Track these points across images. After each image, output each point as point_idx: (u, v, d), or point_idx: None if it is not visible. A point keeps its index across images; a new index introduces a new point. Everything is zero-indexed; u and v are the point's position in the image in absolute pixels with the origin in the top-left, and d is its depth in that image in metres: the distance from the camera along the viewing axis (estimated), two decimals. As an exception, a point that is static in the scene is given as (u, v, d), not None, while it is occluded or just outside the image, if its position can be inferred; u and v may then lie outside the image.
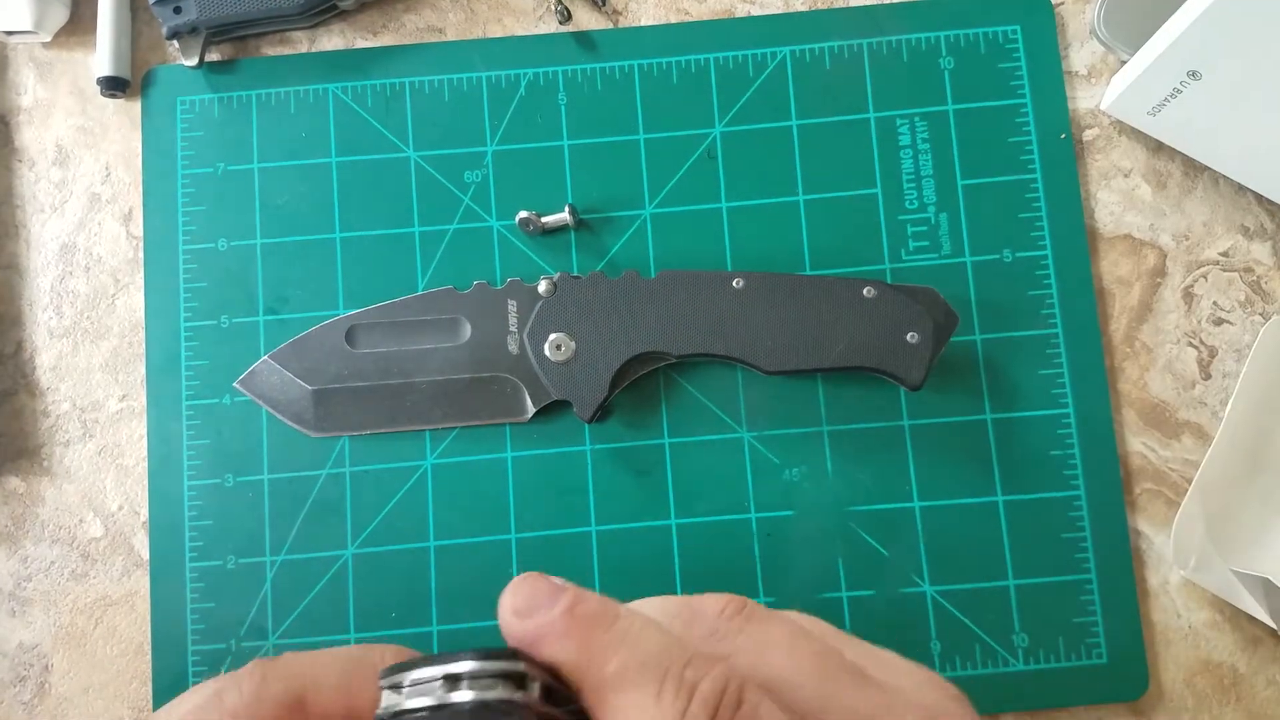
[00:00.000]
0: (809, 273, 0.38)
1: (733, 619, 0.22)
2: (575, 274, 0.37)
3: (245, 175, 0.39)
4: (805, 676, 0.21)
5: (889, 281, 0.37)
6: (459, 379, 0.37)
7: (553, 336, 0.36)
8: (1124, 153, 0.39)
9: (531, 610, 0.21)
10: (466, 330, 0.37)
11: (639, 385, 0.37)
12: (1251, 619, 0.36)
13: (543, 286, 0.36)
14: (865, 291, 0.35)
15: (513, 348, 0.37)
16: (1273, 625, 0.35)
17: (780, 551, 0.37)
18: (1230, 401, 0.36)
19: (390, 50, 0.40)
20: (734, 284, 0.35)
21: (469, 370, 0.37)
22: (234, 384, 0.38)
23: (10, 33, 0.39)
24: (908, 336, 0.35)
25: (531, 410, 0.37)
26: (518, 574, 0.37)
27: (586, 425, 0.37)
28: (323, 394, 0.37)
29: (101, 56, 0.39)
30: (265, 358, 0.38)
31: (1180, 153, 0.38)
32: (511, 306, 0.37)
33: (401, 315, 0.38)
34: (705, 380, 0.38)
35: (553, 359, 0.36)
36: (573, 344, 0.36)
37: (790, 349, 0.35)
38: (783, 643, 0.22)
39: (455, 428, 0.38)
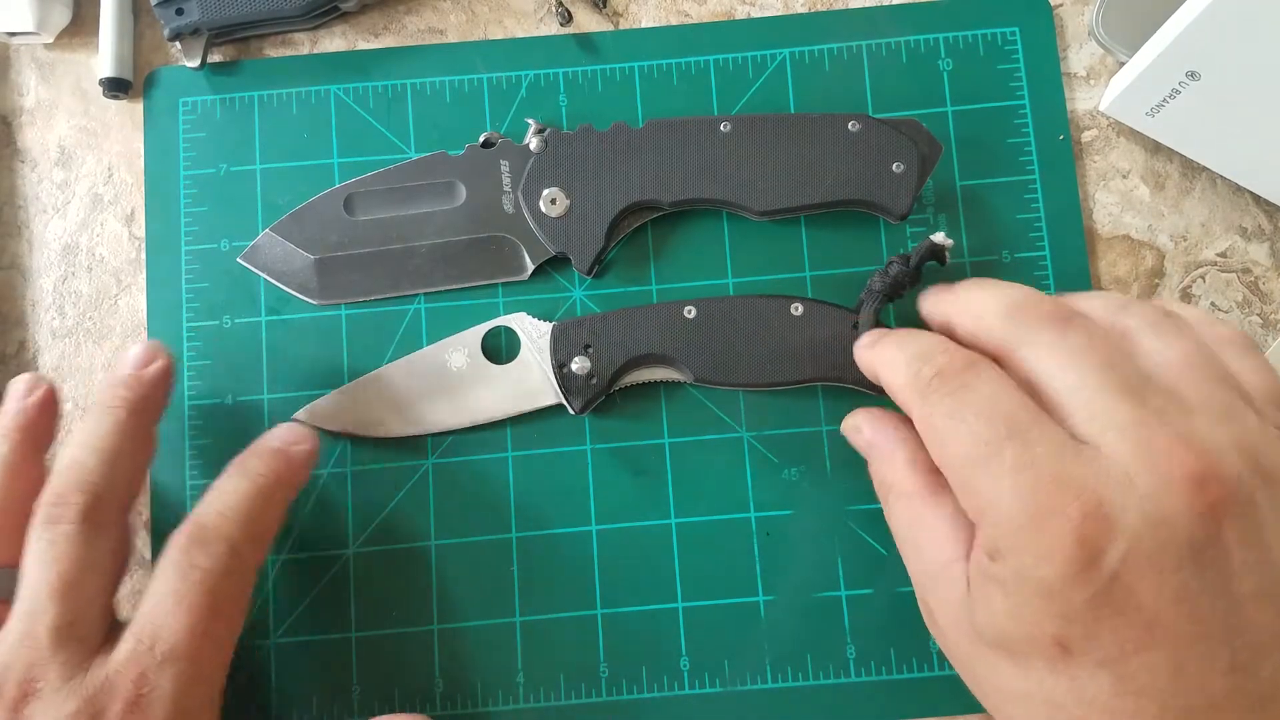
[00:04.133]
0: (809, 274, 0.38)
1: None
2: (564, 129, 0.38)
3: (247, 176, 0.39)
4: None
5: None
6: (457, 241, 0.38)
7: (546, 192, 0.36)
8: (1122, 154, 0.39)
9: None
10: (462, 193, 0.38)
11: (642, 389, 0.37)
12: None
13: (533, 143, 0.37)
14: (850, 126, 0.36)
15: (508, 207, 0.37)
16: None
17: (779, 551, 0.37)
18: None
19: (391, 52, 0.40)
20: (721, 128, 0.36)
21: (467, 232, 0.38)
22: (238, 258, 0.38)
23: (12, 34, 0.39)
24: (893, 167, 0.36)
25: (530, 268, 0.37)
26: (518, 573, 0.38)
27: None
28: (325, 262, 0.38)
29: (104, 57, 0.39)
30: (266, 230, 0.38)
31: (1178, 153, 0.39)
32: (504, 166, 0.38)
33: (397, 181, 0.38)
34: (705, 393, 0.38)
35: (548, 214, 0.36)
36: (567, 198, 0.36)
37: (779, 187, 0.36)
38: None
39: (452, 288, 0.38)
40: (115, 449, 0.31)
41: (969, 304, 0.29)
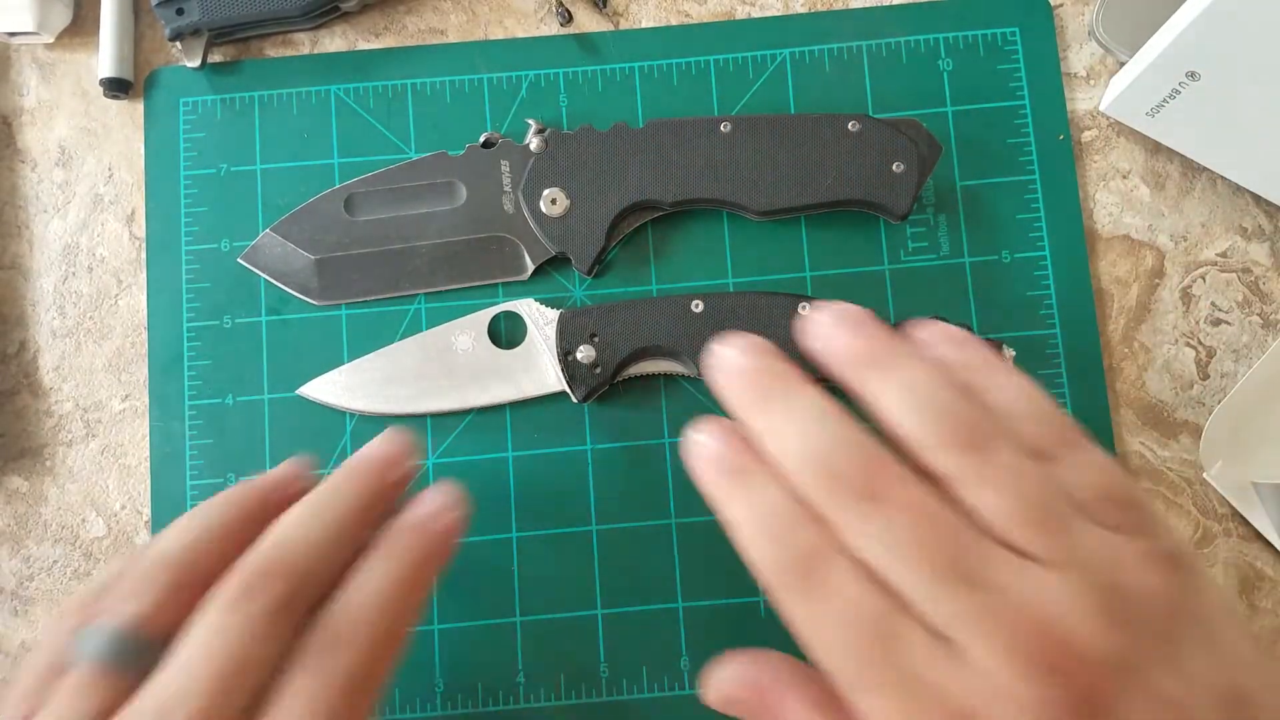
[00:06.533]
0: (809, 274, 0.38)
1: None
2: (564, 129, 0.38)
3: (248, 176, 0.39)
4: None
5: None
6: (457, 241, 0.38)
7: (547, 192, 0.37)
8: (1122, 154, 0.39)
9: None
10: (462, 193, 0.38)
11: (643, 387, 0.37)
12: (1257, 606, 0.37)
13: (534, 143, 0.37)
14: (850, 125, 0.36)
15: (508, 207, 0.37)
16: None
17: (780, 551, 0.37)
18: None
19: (392, 52, 0.40)
20: (721, 128, 0.36)
21: (467, 232, 0.38)
22: (238, 259, 0.38)
23: (13, 34, 0.39)
24: (893, 167, 0.36)
25: (530, 268, 0.38)
26: (519, 573, 0.37)
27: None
28: (325, 262, 0.38)
29: (104, 58, 0.39)
30: (267, 230, 0.38)
31: (1178, 154, 0.38)
32: (504, 166, 0.38)
33: (397, 182, 0.38)
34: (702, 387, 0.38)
35: (548, 214, 0.36)
36: (567, 198, 0.36)
37: (780, 187, 0.36)
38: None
39: (452, 288, 0.38)
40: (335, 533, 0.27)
41: (778, 430, 0.25)
